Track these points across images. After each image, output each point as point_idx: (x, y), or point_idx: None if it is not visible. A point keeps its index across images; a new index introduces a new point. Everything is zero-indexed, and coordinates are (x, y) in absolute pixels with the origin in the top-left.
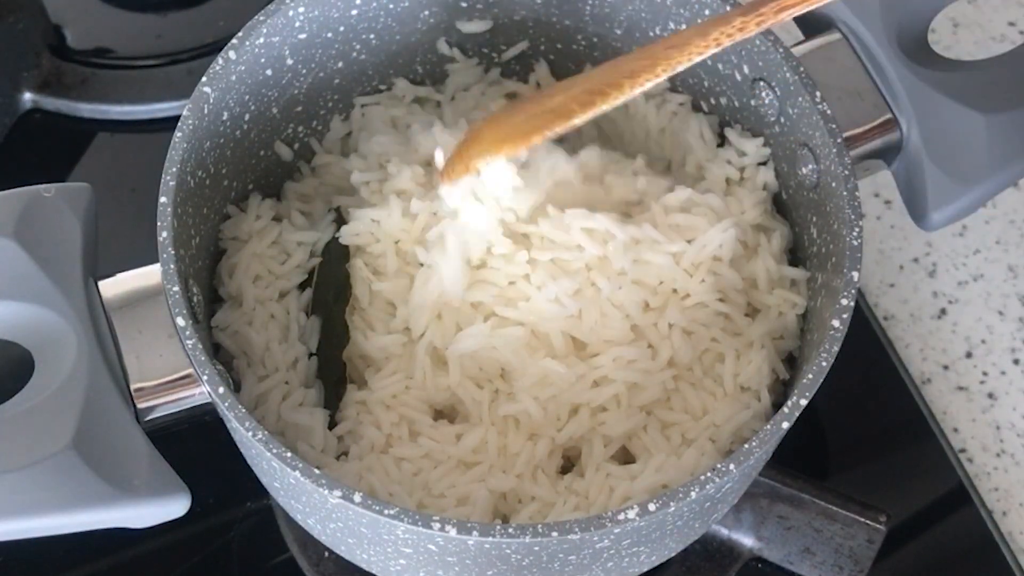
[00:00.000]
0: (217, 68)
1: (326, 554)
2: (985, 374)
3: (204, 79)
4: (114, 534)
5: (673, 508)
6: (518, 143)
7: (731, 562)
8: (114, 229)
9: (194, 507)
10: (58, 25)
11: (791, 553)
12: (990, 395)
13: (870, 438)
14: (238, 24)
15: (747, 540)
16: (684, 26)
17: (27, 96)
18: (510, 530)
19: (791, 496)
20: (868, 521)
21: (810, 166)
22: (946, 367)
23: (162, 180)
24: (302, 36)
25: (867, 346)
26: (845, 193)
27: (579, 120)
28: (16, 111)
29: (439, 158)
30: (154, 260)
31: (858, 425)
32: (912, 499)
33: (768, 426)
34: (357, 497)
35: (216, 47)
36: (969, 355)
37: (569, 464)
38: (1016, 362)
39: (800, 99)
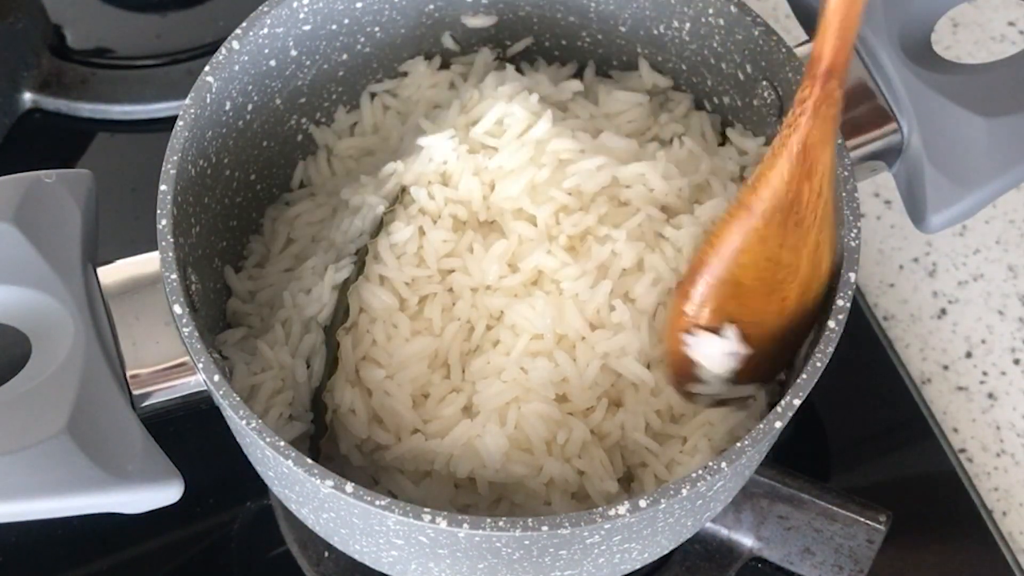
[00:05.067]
0: (220, 58)
1: (326, 554)
2: (985, 374)
3: (207, 68)
4: (114, 533)
5: (664, 505)
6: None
7: (731, 562)
8: (114, 229)
9: (194, 507)
10: (58, 25)
11: (791, 553)
12: (990, 395)
13: (870, 438)
14: (238, 24)
15: (747, 540)
16: (688, 24)
17: (27, 96)
18: (500, 523)
19: (791, 496)
20: (868, 521)
21: None
22: (946, 367)
23: (163, 168)
24: (306, 28)
25: (867, 346)
26: (844, 194)
27: None
28: (16, 111)
29: None
30: (154, 250)
31: (858, 425)
32: (912, 499)
33: (761, 425)
34: (348, 487)
35: (216, 47)
36: (969, 355)
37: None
38: (1016, 362)
39: None
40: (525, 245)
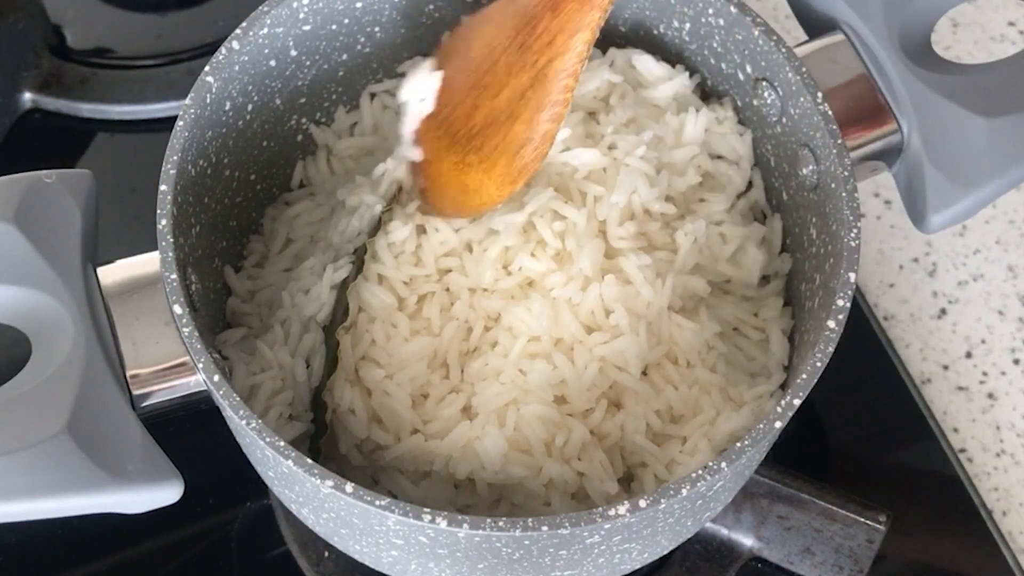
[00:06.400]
0: (220, 58)
1: (326, 554)
2: (985, 374)
3: (207, 68)
4: (114, 533)
5: (664, 505)
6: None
7: (731, 562)
8: (114, 229)
9: (194, 507)
10: (58, 25)
11: (791, 553)
12: (990, 395)
13: (870, 438)
14: (238, 24)
15: (747, 540)
16: (688, 24)
17: (27, 96)
18: (500, 523)
19: (791, 496)
20: (868, 521)
21: (810, 167)
22: (946, 367)
23: (163, 168)
24: (306, 28)
25: (867, 346)
26: (844, 194)
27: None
28: (16, 111)
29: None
30: (154, 250)
31: (858, 425)
32: (912, 499)
33: (761, 425)
34: (348, 487)
35: (216, 47)
36: (969, 355)
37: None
38: (1016, 362)
39: (802, 100)
40: (513, 248)
